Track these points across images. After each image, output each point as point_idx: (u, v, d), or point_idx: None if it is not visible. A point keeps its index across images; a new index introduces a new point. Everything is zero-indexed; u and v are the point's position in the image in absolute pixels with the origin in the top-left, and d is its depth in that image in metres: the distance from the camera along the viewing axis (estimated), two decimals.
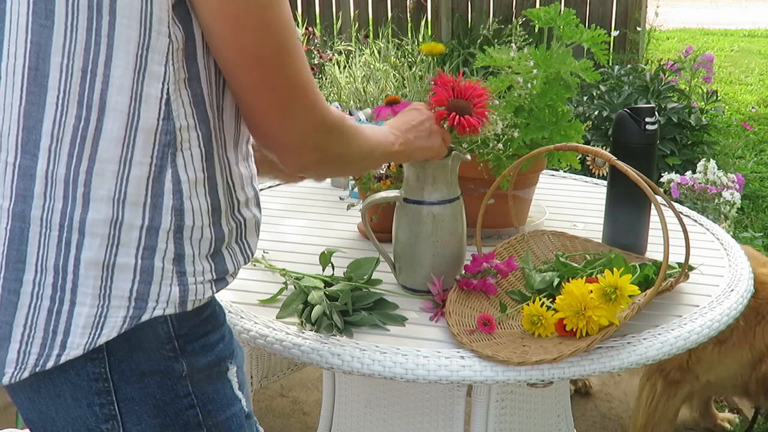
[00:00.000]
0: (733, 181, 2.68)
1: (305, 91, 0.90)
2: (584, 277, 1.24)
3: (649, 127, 1.45)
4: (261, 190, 1.05)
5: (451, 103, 1.25)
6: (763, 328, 1.88)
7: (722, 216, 2.65)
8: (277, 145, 0.93)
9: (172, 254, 0.86)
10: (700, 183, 2.68)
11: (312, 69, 4.01)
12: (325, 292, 1.29)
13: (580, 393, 2.49)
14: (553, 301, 1.22)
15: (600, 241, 1.53)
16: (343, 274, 1.36)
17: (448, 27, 5.94)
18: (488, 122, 1.29)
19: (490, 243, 1.53)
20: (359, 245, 1.57)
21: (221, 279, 0.92)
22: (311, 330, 1.22)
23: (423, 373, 1.14)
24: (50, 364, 0.85)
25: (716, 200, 2.65)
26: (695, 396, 2.16)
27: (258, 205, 1.00)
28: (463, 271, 1.33)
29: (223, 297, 1.04)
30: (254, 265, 1.45)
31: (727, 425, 2.33)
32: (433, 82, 1.27)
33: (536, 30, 4.85)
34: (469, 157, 1.32)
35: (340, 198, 1.78)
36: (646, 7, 5.74)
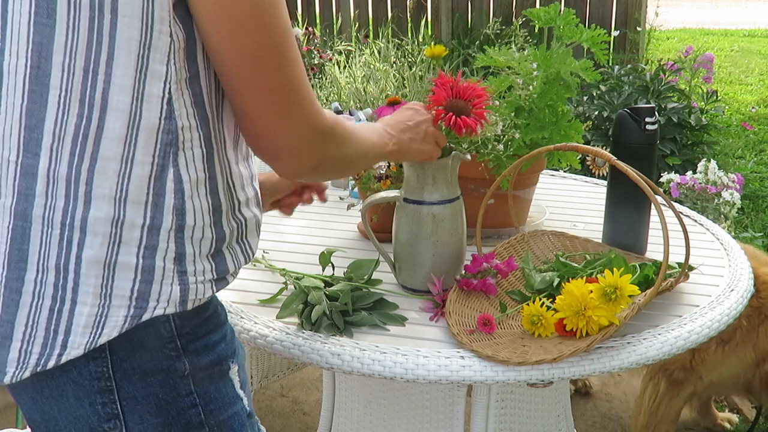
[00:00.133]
0: (733, 181, 2.68)
1: (301, 94, 0.90)
2: (584, 277, 1.24)
3: (649, 127, 1.45)
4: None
5: (449, 104, 1.25)
6: (766, 327, 1.88)
7: (722, 216, 2.65)
8: (273, 149, 0.92)
9: (173, 253, 0.86)
10: (700, 183, 2.68)
11: (312, 69, 4.01)
12: (325, 292, 1.29)
13: (580, 393, 2.50)
14: (553, 301, 1.22)
15: (600, 241, 1.53)
16: (343, 274, 1.36)
17: (448, 27, 5.94)
18: (487, 123, 1.29)
19: (490, 243, 1.53)
20: (359, 245, 1.57)
21: (222, 278, 0.92)
22: (311, 330, 1.22)
23: (423, 373, 1.14)
24: (51, 364, 0.85)
25: (716, 200, 2.65)
26: (698, 396, 2.16)
27: (258, 205, 1.00)
28: (463, 271, 1.33)
29: (224, 297, 1.04)
30: (254, 265, 1.45)
31: (727, 425, 2.33)
32: (433, 83, 1.27)
33: (536, 30, 4.86)
34: (469, 157, 1.32)
35: (340, 198, 1.78)
36: (646, 7, 5.74)
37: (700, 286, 1.40)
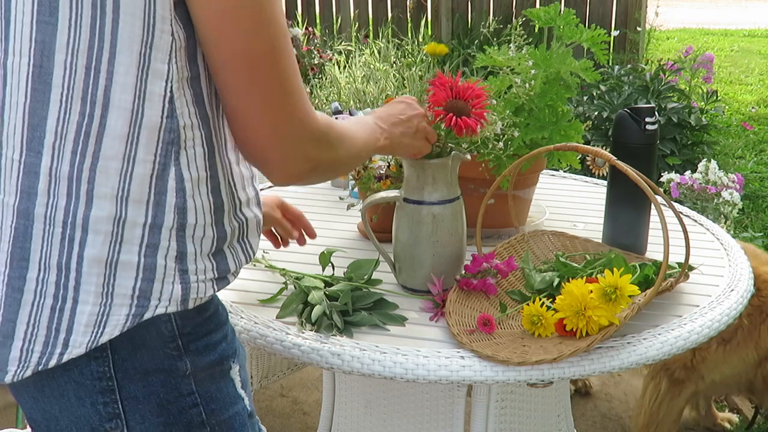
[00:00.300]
0: (733, 181, 2.68)
1: (294, 97, 0.89)
2: (584, 277, 1.24)
3: (649, 127, 1.45)
4: (261, 190, 1.05)
5: (449, 104, 1.25)
6: None
7: (722, 216, 2.65)
8: (264, 153, 0.90)
9: (174, 252, 0.86)
10: (700, 183, 2.68)
11: (312, 69, 4.00)
12: (325, 292, 1.29)
13: (580, 393, 2.50)
14: (553, 301, 1.22)
15: (600, 241, 1.53)
16: (343, 274, 1.36)
17: (448, 27, 5.94)
18: (487, 123, 1.29)
19: (490, 243, 1.53)
20: (359, 245, 1.57)
21: (223, 278, 0.93)
22: (311, 330, 1.22)
23: (423, 373, 1.14)
24: (53, 363, 0.85)
25: (716, 200, 2.65)
26: (700, 396, 2.16)
27: (259, 205, 1.00)
28: (463, 271, 1.33)
29: (224, 297, 1.04)
30: (254, 265, 1.45)
31: (727, 425, 2.33)
32: (430, 84, 1.27)
33: (536, 30, 4.86)
34: (469, 157, 1.32)
35: (340, 198, 1.78)
36: (646, 7, 5.74)
37: (700, 286, 1.40)
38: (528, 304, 1.22)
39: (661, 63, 4.40)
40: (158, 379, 0.89)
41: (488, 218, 1.47)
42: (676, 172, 2.85)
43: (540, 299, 1.23)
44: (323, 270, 1.37)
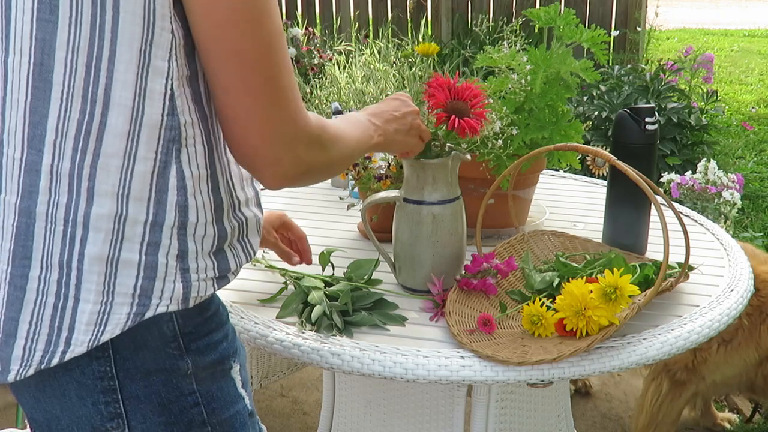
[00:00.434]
0: (733, 181, 2.68)
1: (287, 96, 0.87)
2: (584, 277, 1.24)
3: (649, 127, 1.45)
4: (261, 190, 1.04)
5: (450, 106, 1.25)
6: None
7: (722, 216, 2.65)
8: (254, 154, 0.89)
9: (175, 250, 0.86)
10: (700, 183, 2.68)
11: (312, 69, 4.00)
12: (325, 292, 1.29)
13: (580, 393, 2.50)
14: (553, 301, 1.22)
15: (600, 241, 1.53)
16: (343, 274, 1.36)
17: (448, 27, 5.94)
18: (487, 122, 1.29)
19: (490, 243, 1.53)
20: (359, 245, 1.57)
21: (223, 276, 0.92)
22: (311, 330, 1.22)
23: (423, 373, 1.14)
24: (55, 361, 0.85)
25: (716, 200, 2.65)
26: (700, 396, 2.16)
27: (259, 204, 1.00)
28: (463, 271, 1.33)
29: (224, 297, 1.04)
30: (254, 265, 1.45)
31: (727, 425, 2.33)
32: (428, 86, 1.26)
33: (536, 30, 4.86)
34: (469, 157, 1.32)
35: (340, 198, 1.78)
36: (646, 7, 5.74)
37: (700, 286, 1.40)
38: (528, 304, 1.22)
39: (661, 63, 4.40)
40: (159, 378, 0.89)
41: (488, 218, 1.47)
42: (676, 172, 2.85)
43: (540, 299, 1.23)
44: (323, 270, 1.37)
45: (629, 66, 4.66)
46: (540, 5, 5.34)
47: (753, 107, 5.93)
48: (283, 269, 1.40)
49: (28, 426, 0.98)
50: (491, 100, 1.45)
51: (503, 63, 1.52)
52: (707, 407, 2.31)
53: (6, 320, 0.86)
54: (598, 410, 2.43)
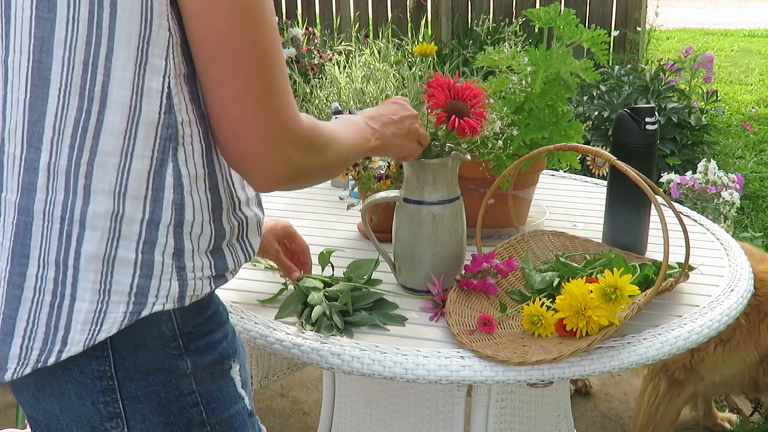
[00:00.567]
0: (733, 181, 2.68)
1: (279, 97, 0.86)
2: (584, 277, 1.24)
3: (649, 127, 1.45)
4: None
5: (450, 106, 1.25)
6: (767, 324, 1.88)
7: (722, 216, 2.65)
8: (244, 155, 0.87)
9: (171, 249, 0.86)
10: (700, 183, 2.68)
11: (312, 69, 3.99)
12: (324, 293, 1.29)
13: (580, 393, 2.50)
14: (553, 301, 1.22)
15: (600, 241, 1.53)
16: (343, 274, 1.36)
17: (448, 27, 5.94)
18: (487, 122, 1.29)
19: (490, 243, 1.53)
20: (359, 245, 1.57)
21: (220, 276, 0.92)
22: (311, 330, 1.22)
23: (423, 373, 1.14)
24: (51, 360, 0.85)
25: (716, 200, 2.65)
26: (700, 396, 2.16)
27: (260, 204, 1.00)
28: (463, 271, 1.33)
29: (224, 297, 1.04)
30: (254, 265, 1.45)
31: (727, 425, 2.33)
32: (427, 86, 1.26)
33: (536, 30, 4.85)
34: (469, 157, 1.32)
35: (340, 198, 1.78)
36: (646, 7, 5.74)
37: (700, 286, 1.40)
38: (528, 304, 1.22)
39: (661, 63, 4.40)
40: (159, 378, 0.89)
41: (488, 218, 1.47)
42: (676, 172, 2.85)
43: (540, 299, 1.23)
44: (323, 270, 1.37)
45: (629, 66, 4.67)
46: (540, 5, 5.34)
47: (753, 107, 5.92)
48: None
49: (28, 426, 0.98)
50: (491, 100, 1.45)
51: (503, 63, 1.52)
52: (709, 408, 2.31)
53: (4, 318, 0.86)
54: (598, 410, 2.43)
